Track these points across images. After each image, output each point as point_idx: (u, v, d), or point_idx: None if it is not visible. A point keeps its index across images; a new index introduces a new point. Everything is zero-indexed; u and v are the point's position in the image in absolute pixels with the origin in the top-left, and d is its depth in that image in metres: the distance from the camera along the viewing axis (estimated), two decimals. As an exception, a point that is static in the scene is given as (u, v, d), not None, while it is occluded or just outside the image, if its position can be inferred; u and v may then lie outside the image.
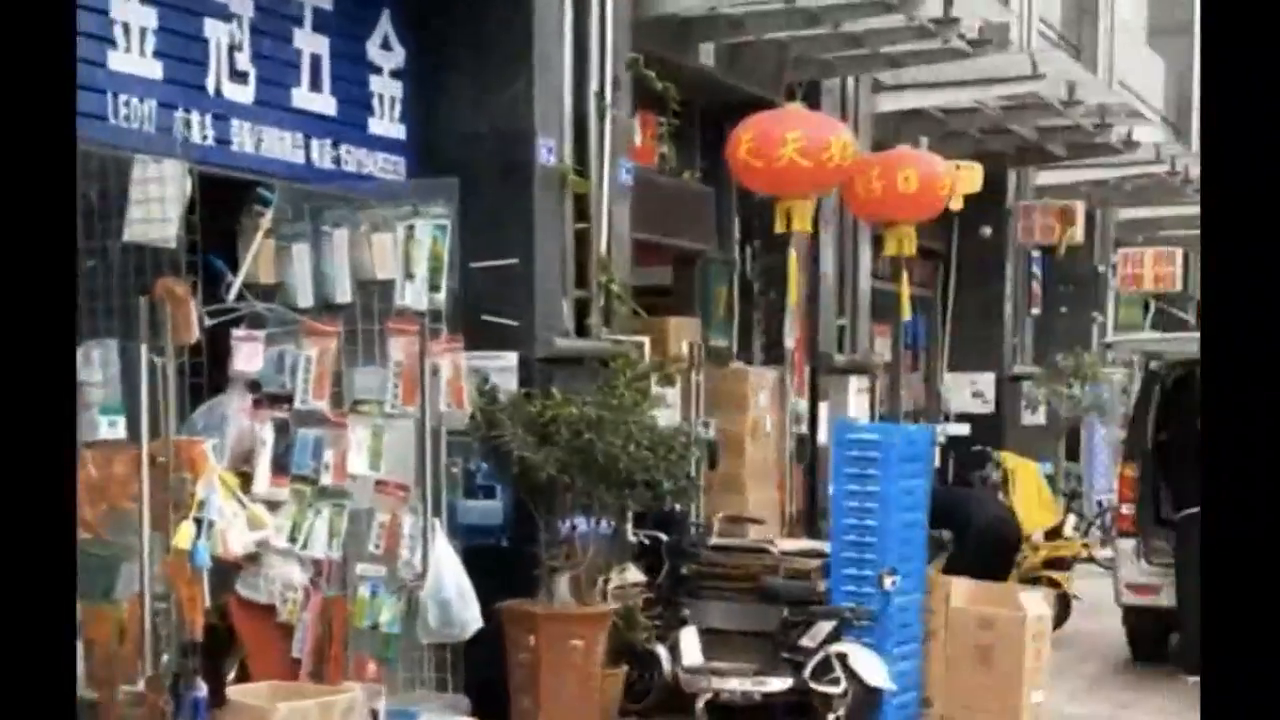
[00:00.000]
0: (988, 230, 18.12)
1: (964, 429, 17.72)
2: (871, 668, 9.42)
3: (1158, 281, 22.90)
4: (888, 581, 9.64)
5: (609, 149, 9.64)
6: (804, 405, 13.31)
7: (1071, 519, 15.97)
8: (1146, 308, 26.14)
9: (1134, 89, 22.97)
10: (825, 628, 9.53)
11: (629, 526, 9.73)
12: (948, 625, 10.31)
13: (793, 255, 11.68)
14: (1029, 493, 16.30)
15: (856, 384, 14.15)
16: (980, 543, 12.32)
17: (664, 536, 9.98)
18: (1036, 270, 19.61)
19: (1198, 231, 25.33)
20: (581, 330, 9.49)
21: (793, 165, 10.52)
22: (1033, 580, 13.14)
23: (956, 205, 14.80)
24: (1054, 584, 13.36)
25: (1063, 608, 13.32)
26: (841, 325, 14.02)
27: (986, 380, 18.61)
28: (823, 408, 13.55)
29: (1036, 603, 10.44)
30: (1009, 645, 10.13)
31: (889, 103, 14.44)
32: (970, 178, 14.91)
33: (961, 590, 10.52)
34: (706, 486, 11.26)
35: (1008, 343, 18.72)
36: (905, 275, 13.43)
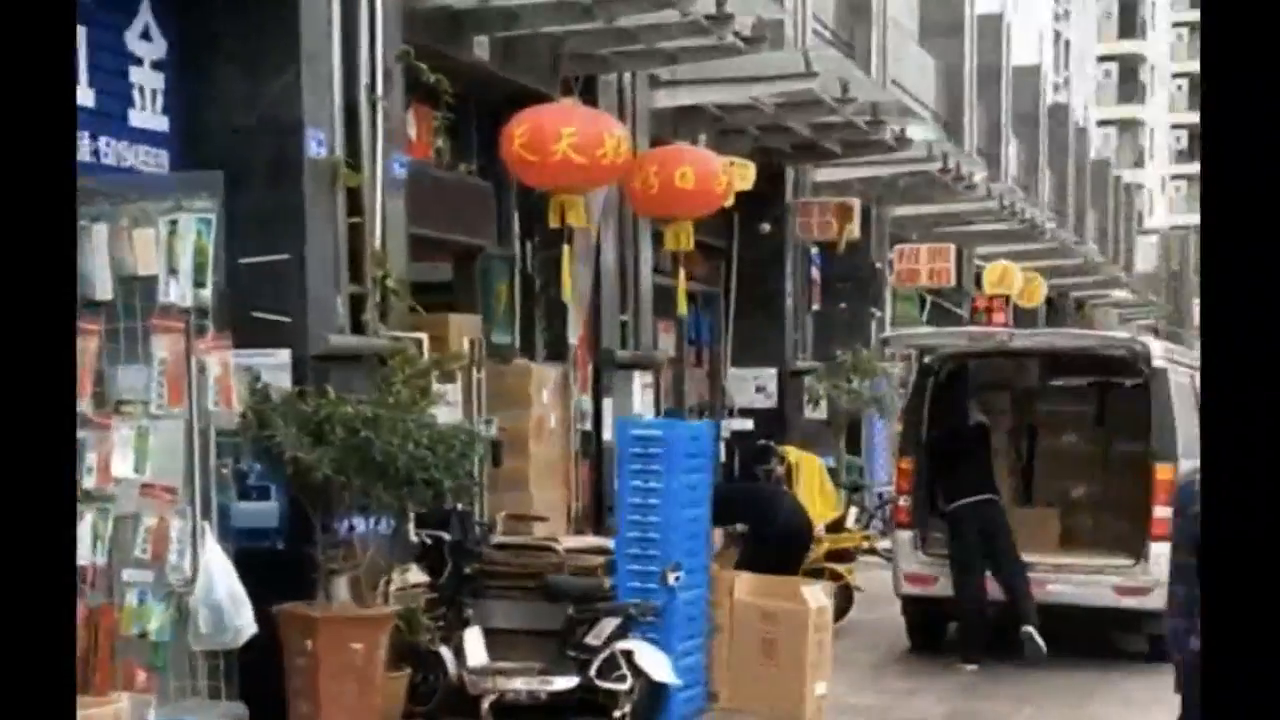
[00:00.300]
0: (767, 227, 18.26)
1: (748, 424, 17.86)
2: (657, 663, 9.41)
3: (932, 277, 23.37)
4: (672, 577, 9.63)
5: (381, 142, 9.46)
6: (588, 402, 13.25)
7: (853, 511, 16.21)
8: (922, 302, 26.64)
9: (907, 87, 23.37)
10: (610, 625, 9.48)
11: (411, 526, 9.58)
12: (732, 619, 10.35)
13: (566, 251, 11.60)
14: (811, 486, 16.52)
15: (641, 380, 14.14)
16: (780, 538, 12.45)
17: (447, 536, 9.83)
18: (816, 266, 19.81)
19: (969, 227, 26.03)
20: (357, 327, 9.29)
21: (567, 161, 10.45)
22: (816, 572, 13.26)
23: (728, 201, 14.90)
24: (836, 576, 13.51)
25: (845, 599, 13.48)
26: (624, 321, 13.98)
27: (769, 375, 18.76)
28: (607, 404, 13.50)
29: (818, 595, 10.52)
30: (792, 638, 10.20)
31: (667, 99, 14.45)
32: (742, 175, 15.02)
33: (745, 584, 10.56)
34: (491, 485, 11.15)
35: (789, 338, 18.88)
36: (682, 271, 13.46)
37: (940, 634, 12.97)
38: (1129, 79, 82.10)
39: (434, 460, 8.34)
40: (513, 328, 12.96)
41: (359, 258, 9.33)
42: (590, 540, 10.99)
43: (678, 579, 9.66)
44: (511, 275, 12.97)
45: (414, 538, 9.70)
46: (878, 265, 22.33)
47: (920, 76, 25.84)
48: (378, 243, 9.47)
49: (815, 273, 19.77)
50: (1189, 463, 12.49)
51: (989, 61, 30.94)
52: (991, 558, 12.14)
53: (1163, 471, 11.93)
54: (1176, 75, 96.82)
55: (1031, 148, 36.97)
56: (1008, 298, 29.88)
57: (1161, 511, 11.92)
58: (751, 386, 18.75)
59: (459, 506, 9.79)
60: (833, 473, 18.17)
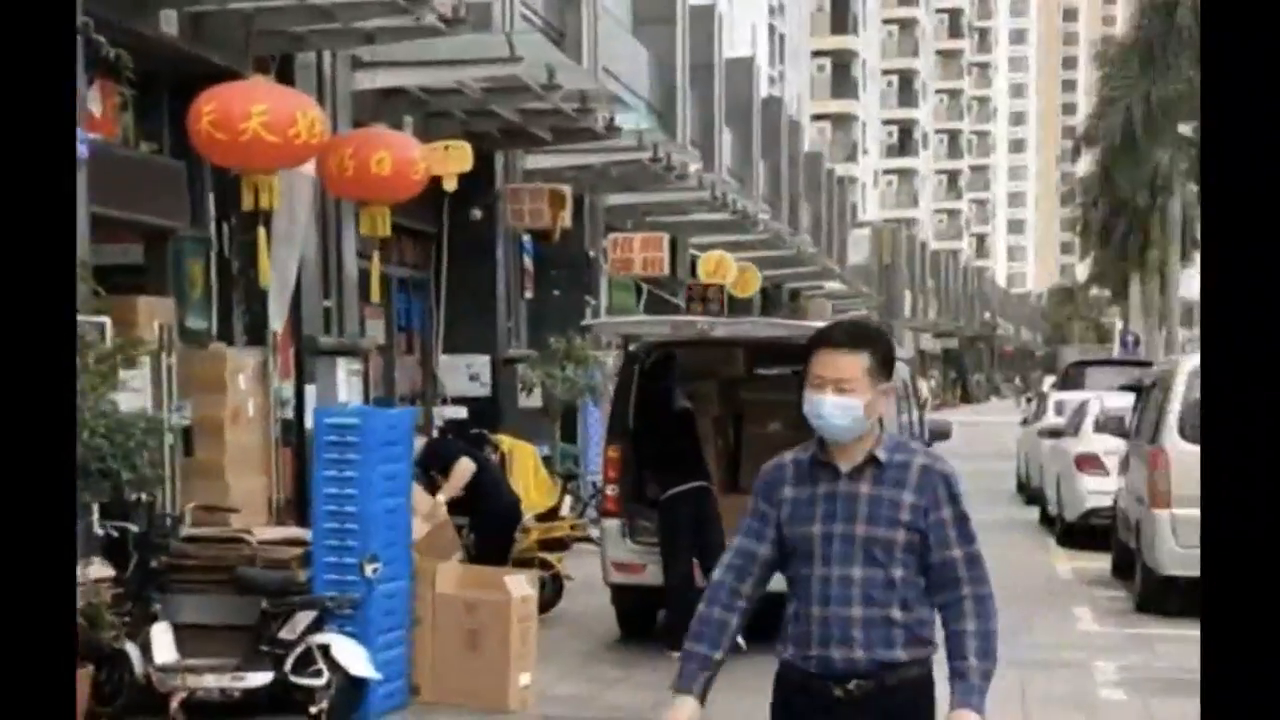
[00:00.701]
0: (478, 212, 18.07)
1: (461, 412, 17.68)
2: (354, 657, 9.19)
3: (647, 266, 23.44)
4: (369, 568, 9.40)
5: (60, 117, 9.00)
6: (289, 389, 12.88)
7: (568, 500, 16.15)
8: (639, 291, 26.77)
9: (619, 76, 23.41)
10: (305, 618, 9.23)
11: (95, 518, 9.18)
12: (434, 611, 10.17)
13: (262, 234, 11.25)
14: (526, 475, 16.46)
15: (346, 367, 13.83)
16: (500, 523, 12.36)
17: (133, 528, 9.44)
18: (529, 253, 19.69)
19: (683, 217, 26.21)
20: (32, 311, 8.82)
21: (258, 140, 10.13)
22: (526, 561, 13.16)
23: (450, 186, 14.68)
24: (547, 565, 13.43)
25: (556, 588, 13.40)
26: (328, 306, 13.65)
27: (482, 363, 18.59)
28: (310, 391, 13.17)
29: (521, 585, 10.38)
30: (495, 628, 10.06)
31: (367, 80, 14.14)
32: (460, 157, 14.78)
33: (448, 575, 10.38)
34: (184, 474, 10.76)
35: (502, 326, 18.75)
36: (376, 256, 13.21)
37: (651, 622, 12.92)
38: (842, 75, 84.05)
39: (110, 450, 7.98)
40: (209, 312, 12.53)
41: (35, 238, 8.86)
42: (286, 531, 10.69)
43: (375, 571, 9.43)
44: (207, 258, 12.54)
45: (98, 530, 9.31)
46: (592, 253, 22.34)
47: (633, 66, 25.91)
48: (56, 223, 9.01)
49: (528, 260, 19.66)
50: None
51: (702, 53, 31.23)
52: (700, 548, 12.14)
53: (863, 459, 12.07)
54: (887, 71, 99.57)
55: (746, 140, 37.49)
56: (722, 287, 30.26)
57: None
58: (465, 374, 18.57)
59: (142, 497, 9.41)
60: (548, 461, 18.11)
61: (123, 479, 8.17)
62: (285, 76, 12.19)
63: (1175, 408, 14.02)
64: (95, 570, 9.11)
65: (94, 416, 8.02)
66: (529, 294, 19.69)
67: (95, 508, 9.04)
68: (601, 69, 21.75)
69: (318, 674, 9.11)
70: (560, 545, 14.13)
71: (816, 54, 77.95)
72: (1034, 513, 23.83)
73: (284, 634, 9.20)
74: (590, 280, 22.38)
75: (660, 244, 23.36)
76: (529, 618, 10.32)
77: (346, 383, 13.82)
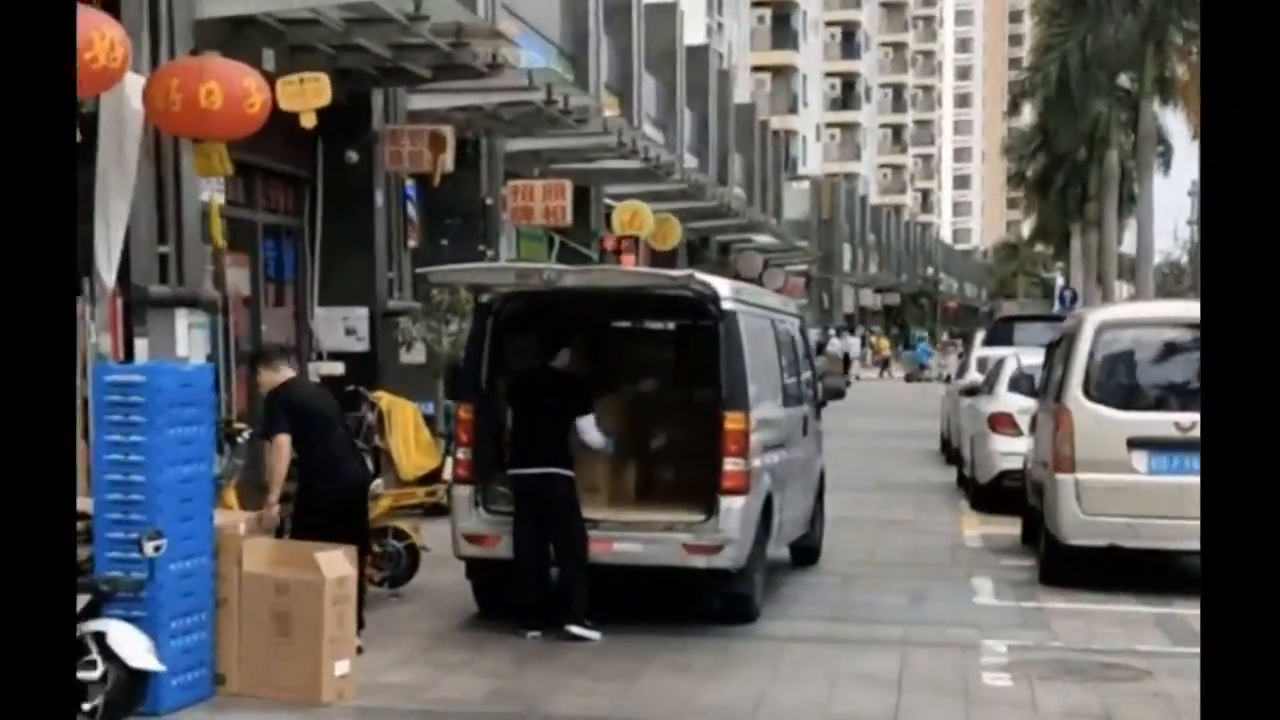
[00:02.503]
0: (354, 155, 16.92)
1: (338, 368, 16.65)
2: (133, 646, 8.21)
3: (549, 215, 22.26)
4: (150, 546, 8.38)
5: None
6: (107, 342, 11.71)
7: (451, 462, 15.16)
8: (551, 243, 25.73)
9: (524, 17, 22.32)
10: (79, 603, 8.16)
11: None
12: (241, 592, 9.18)
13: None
14: (406, 434, 15.42)
15: (188, 319, 12.69)
16: (326, 504, 10.72)
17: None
18: (413, 199, 18.56)
19: (593, 165, 25.09)
20: None
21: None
22: (380, 531, 12.18)
23: (308, 123, 13.49)
24: (401, 534, 12.46)
25: (412, 560, 12.45)
26: (164, 253, 12.49)
27: (360, 316, 17.51)
28: (141, 345, 12.04)
29: (337, 564, 9.33)
30: (307, 612, 9.10)
31: (219, 7, 12.96)
32: (316, 91, 13.57)
33: (257, 552, 9.36)
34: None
35: (381, 276, 17.63)
36: (218, 197, 12.06)
37: (509, 599, 11.87)
38: (782, 26, 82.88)
39: None
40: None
41: None
42: (71, 503, 9.58)
43: (158, 548, 8.39)
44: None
45: None
46: (489, 201, 21.21)
47: (541, 6, 24.75)
48: None
49: (412, 207, 18.52)
50: (762, 411, 11.69)
51: (620, -2, 30.16)
52: (549, 536, 11.09)
53: (732, 420, 11.06)
54: (829, 23, 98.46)
55: (671, 89, 36.39)
56: (637, 239, 29.16)
57: (732, 464, 11.11)
58: (341, 328, 17.49)
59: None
60: (430, 420, 17.05)
61: None
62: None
63: (1080, 365, 13.07)
64: None
65: None
66: (413, 243, 18.54)
67: None
68: (501, 6, 20.59)
69: (91, 666, 8.10)
70: (439, 510, 13.07)
71: (756, 4, 76.63)
72: (953, 474, 22.96)
73: (55, 620, 8.16)
74: (488, 229, 21.25)
75: (563, 191, 22.17)
76: (345, 600, 9.30)
77: (187, 336, 12.70)
